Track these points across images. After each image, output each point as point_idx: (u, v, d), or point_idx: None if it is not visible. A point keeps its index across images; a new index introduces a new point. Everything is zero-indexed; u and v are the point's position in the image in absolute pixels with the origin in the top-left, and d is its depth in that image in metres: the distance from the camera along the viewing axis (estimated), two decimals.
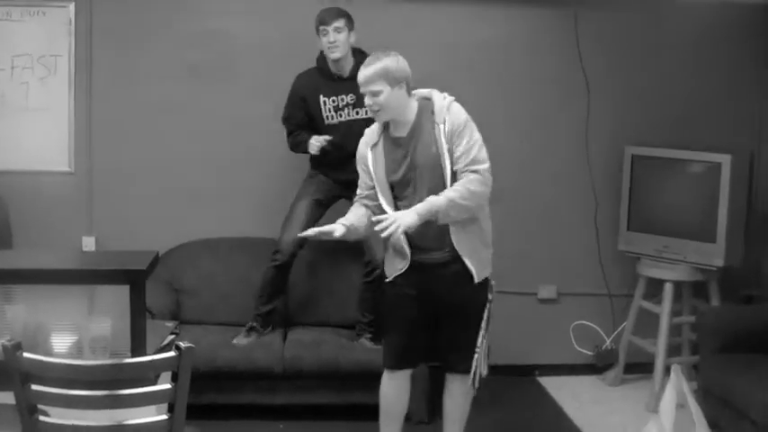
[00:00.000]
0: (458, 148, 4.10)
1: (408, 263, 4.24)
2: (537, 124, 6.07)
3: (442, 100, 4.21)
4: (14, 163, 5.74)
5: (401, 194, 4.20)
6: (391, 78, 4.10)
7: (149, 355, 3.41)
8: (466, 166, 4.09)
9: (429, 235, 4.15)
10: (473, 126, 4.18)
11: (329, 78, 5.25)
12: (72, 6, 5.73)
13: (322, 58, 5.27)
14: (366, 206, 4.28)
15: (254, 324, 5.32)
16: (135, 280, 3.43)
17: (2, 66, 5.75)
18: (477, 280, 4.19)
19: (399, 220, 3.95)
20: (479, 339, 4.27)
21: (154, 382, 3.04)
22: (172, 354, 2.87)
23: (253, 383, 5.17)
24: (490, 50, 5.99)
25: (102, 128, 5.83)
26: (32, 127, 5.78)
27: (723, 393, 4.87)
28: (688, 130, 6.04)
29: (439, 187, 4.07)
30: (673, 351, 5.78)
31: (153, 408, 3.07)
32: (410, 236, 4.16)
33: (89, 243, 5.83)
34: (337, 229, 4.11)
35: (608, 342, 6.15)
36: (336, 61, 5.17)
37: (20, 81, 5.76)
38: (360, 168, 4.32)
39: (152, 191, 5.88)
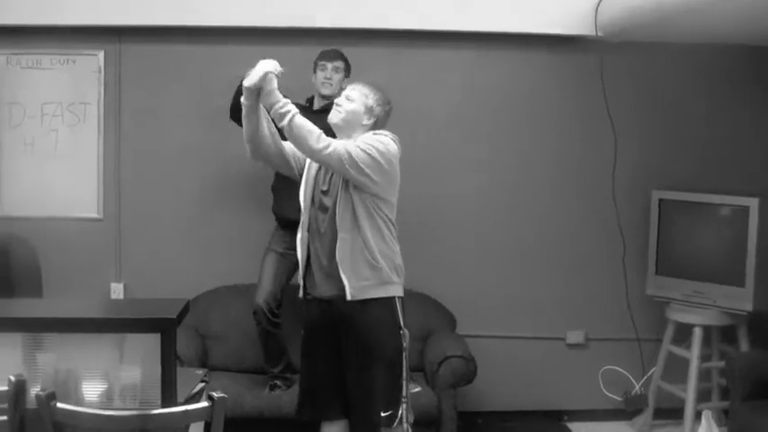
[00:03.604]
0: None
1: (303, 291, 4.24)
2: (563, 168, 6.08)
3: (375, 132, 4.17)
4: (44, 209, 5.81)
5: (321, 201, 4.17)
6: (368, 106, 4.20)
7: (180, 403, 3.41)
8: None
9: (324, 258, 4.12)
10: (378, 144, 4.05)
11: (305, 110, 5.26)
12: (101, 55, 5.81)
13: (310, 99, 5.35)
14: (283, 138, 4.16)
15: (274, 383, 5.33)
16: (165, 328, 3.43)
17: (32, 113, 5.83)
18: (348, 297, 4.03)
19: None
20: (403, 388, 4.14)
21: None
22: (205, 404, 2.87)
23: (280, 429, 5.13)
24: (516, 95, 6.02)
25: (131, 175, 5.89)
26: (61, 174, 5.85)
27: None
28: (715, 174, 6.03)
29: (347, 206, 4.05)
30: (702, 396, 5.72)
31: None
32: (313, 256, 4.16)
33: (117, 289, 5.87)
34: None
35: (637, 387, 6.10)
36: (325, 98, 5.20)
37: (49, 128, 5.83)
38: None
39: (180, 236, 5.93)
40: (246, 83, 3.95)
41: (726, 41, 5.83)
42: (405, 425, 4.16)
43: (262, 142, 4.10)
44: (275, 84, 3.93)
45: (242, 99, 4.00)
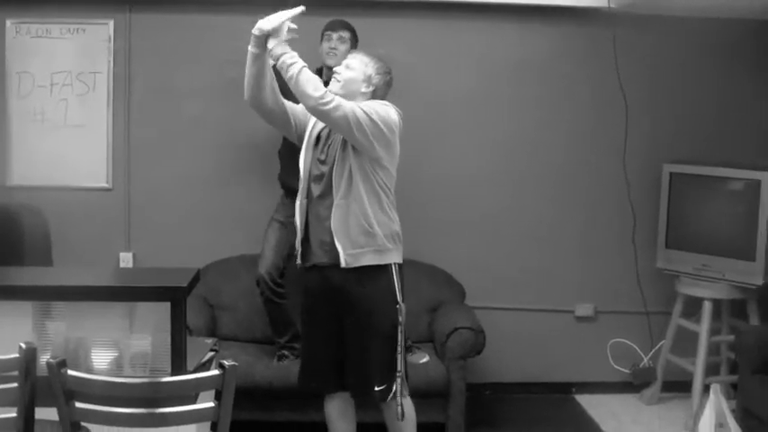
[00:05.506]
0: None
1: (300, 260, 4.26)
2: (575, 142, 6.05)
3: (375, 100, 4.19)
4: (54, 178, 5.79)
5: (318, 169, 4.19)
6: (368, 75, 4.21)
7: (189, 372, 3.42)
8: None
9: (320, 225, 4.14)
10: (380, 109, 4.07)
11: None
12: (111, 24, 5.77)
13: (320, 69, 5.28)
14: (286, 97, 4.20)
15: (281, 353, 5.33)
16: (176, 297, 3.44)
17: (42, 82, 5.80)
18: (343, 264, 4.04)
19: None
20: (399, 363, 4.14)
21: (194, 401, 3.04)
22: (216, 372, 2.88)
23: (289, 401, 5.16)
24: (528, 69, 5.98)
25: (140, 144, 5.87)
26: (71, 143, 5.83)
27: (762, 413, 4.82)
28: (727, 148, 6.00)
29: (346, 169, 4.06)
30: (711, 370, 5.73)
31: (193, 426, 3.08)
32: (311, 223, 4.19)
33: (127, 259, 5.87)
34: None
35: (645, 360, 6.10)
36: (330, 69, 5.11)
37: (59, 98, 5.80)
38: None
39: (190, 206, 5.91)
40: (256, 31, 3.95)
41: (738, 15, 5.80)
42: (399, 399, 4.16)
43: (260, 91, 4.10)
44: (285, 35, 3.93)
45: (249, 47, 4.00)
